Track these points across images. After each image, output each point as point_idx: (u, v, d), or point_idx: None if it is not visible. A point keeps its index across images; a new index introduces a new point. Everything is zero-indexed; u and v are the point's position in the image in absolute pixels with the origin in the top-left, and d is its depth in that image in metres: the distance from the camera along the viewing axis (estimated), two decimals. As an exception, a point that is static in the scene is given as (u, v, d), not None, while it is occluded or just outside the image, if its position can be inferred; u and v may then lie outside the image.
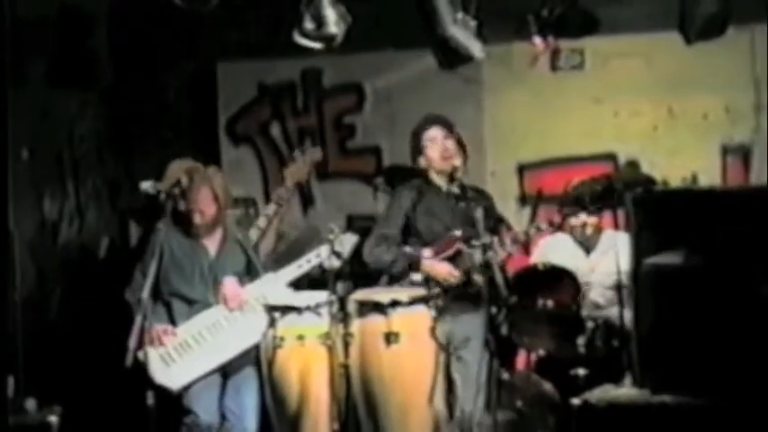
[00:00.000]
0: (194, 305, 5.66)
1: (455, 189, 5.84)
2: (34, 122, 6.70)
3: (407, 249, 5.77)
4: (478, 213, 5.53)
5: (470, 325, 5.62)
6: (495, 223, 5.84)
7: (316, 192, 7.22)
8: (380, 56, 7.08)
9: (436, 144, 5.87)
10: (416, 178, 6.01)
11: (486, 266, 5.35)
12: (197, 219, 5.66)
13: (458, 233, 5.72)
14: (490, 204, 5.95)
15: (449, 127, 5.90)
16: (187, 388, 5.50)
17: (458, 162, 5.81)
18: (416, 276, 5.70)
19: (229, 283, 5.66)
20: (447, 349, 5.53)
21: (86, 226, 7.19)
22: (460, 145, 5.93)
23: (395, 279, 5.79)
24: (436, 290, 5.52)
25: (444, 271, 5.69)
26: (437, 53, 5.75)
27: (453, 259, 5.73)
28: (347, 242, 5.56)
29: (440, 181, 5.89)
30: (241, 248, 5.77)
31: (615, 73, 6.82)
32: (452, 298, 5.59)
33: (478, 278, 5.63)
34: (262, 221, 6.22)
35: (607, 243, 6.21)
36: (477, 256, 5.59)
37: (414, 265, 5.72)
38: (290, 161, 6.50)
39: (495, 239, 5.61)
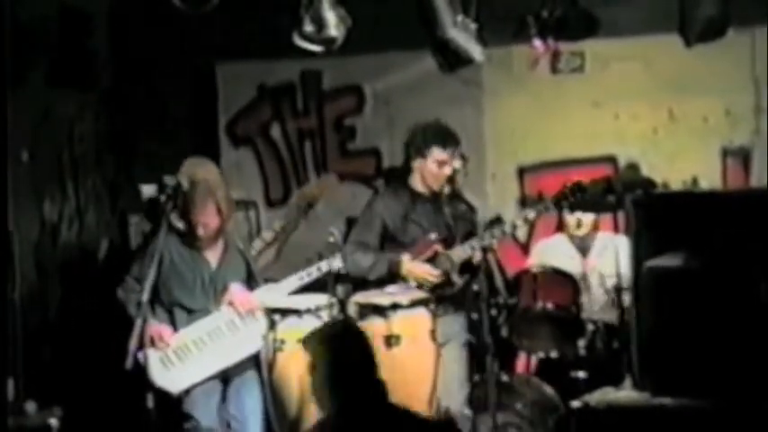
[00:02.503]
0: (195, 314, 5.66)
1: (432, 193, 5.78)
2: (34, 123, 6.70)
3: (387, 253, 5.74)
4: (477, 217, 5.53)
5: (450, 326, 5.63)
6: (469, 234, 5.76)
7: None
8: (380, 58, 7.07)
9: (442, 167, 5.70)
10: (395, 180, 5.97)
11: (487, 271, 5.34)
12: (200, 231, 5.64)
13: (432, 236, 5.69)
14: (471, 214, 5.88)
15: (456, 144, 5.76)
16: (187, 393, 5.49)
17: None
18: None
19: (237, 289, 5.66)
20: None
21: (86, 227, 7.19)
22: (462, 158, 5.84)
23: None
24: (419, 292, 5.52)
25: (423, 272, 5.66)
26: (437, 56, 5.75)
27: (431, 262, 5.71)
28: None
29: (422, 187, 5.82)
30: (242, 258, 5.77)
31: (615, 76, 6.82)
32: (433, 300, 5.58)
33: (457, 279, 5.64)
34: (268, 235, 6.23)
35: (602, 245, 6.22)
36: (456, 258, 5.61)
37: (393, 268, 5.67)
38: (304, 183, 6.51)
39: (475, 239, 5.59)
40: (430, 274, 5.64)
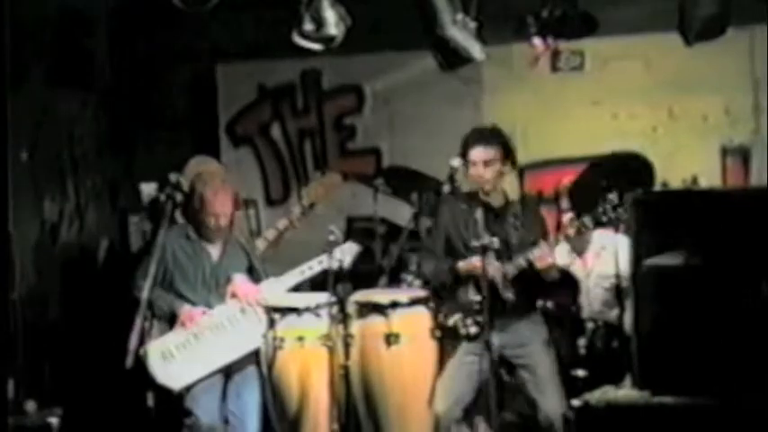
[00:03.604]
0: (196, 307, 5.65)
1: (488, 199, 5.43)
2: (34, 123, 6.70)
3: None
4: (479, 215, 5.31)
5: (519, 332, 5.34)
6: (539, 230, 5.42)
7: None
8: (380, 57, 7.08)
9: (475, 167, 5.33)
10: (451, 187, 5.68)
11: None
12: (221, 222, 5.62)
13: (493, 240, 5.18)
14: (534, 210, 5.57)
15: (494, 140, 5.38)
16: (188, 389, 5.48)
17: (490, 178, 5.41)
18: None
19: (240, 280, 5.65)
20: (504, 360, 5.36)
21: (86, 227, 7.20)
22: (506, 152, 5.43)
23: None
24: (477, 298, 5.19)
25: (478, 263, 5.14)
26: (437, 54, 5.74)
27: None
28: (348, 251, 5.56)
29: (481, 194, 5.42)
30: (243, 252, 5.76)
31: (615, 74, 6.84)
32: (491, 312, 5.15)
33: (509, 294, 5.30)
34: (270, 233, 6.21)
35: (599, 244, 6.18)
36: (503, 271, 5.27)
37: (451, 270, 5.34)
38: (309, 181, 6.50)
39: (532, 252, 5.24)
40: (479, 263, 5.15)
